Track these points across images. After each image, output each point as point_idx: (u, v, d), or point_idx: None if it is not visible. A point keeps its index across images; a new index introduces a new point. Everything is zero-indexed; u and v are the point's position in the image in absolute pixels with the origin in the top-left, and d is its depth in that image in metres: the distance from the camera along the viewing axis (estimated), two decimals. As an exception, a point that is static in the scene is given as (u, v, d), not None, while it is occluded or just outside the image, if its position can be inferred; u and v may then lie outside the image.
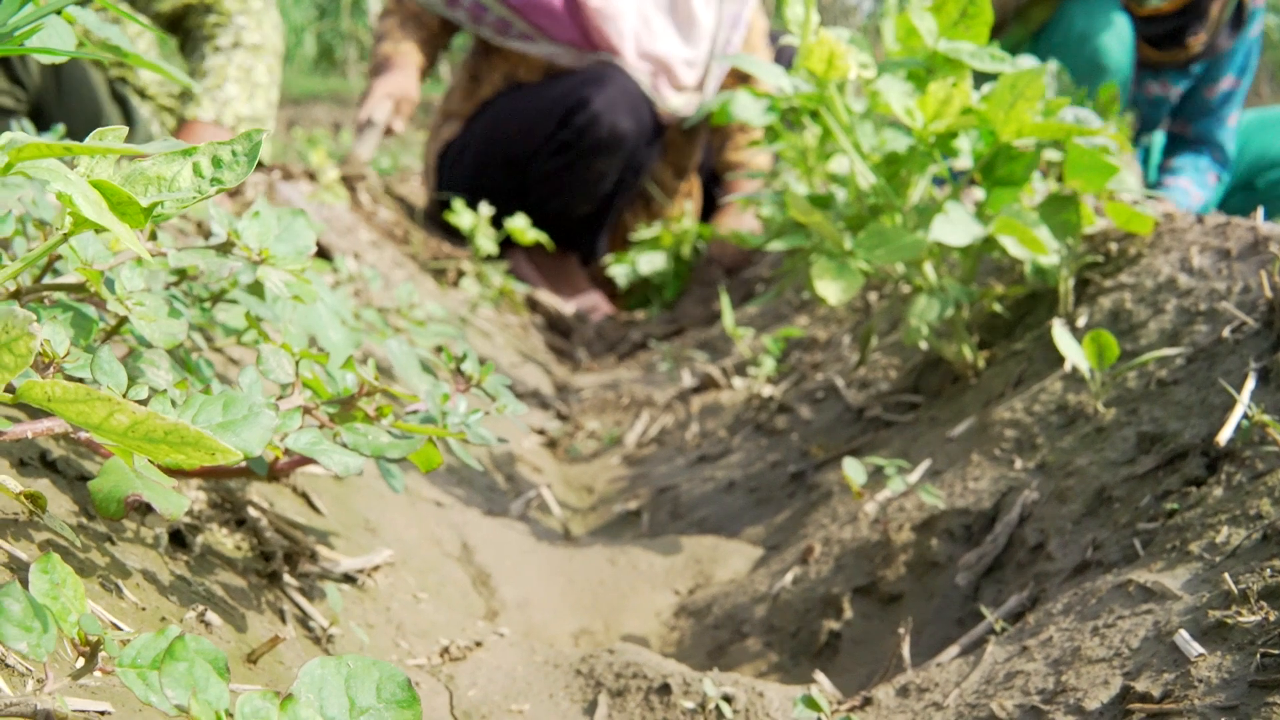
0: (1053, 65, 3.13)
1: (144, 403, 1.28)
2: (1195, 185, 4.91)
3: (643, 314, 5.45)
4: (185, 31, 3.99)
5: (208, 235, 2.88)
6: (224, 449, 0.92)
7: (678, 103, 5.55)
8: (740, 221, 5.60)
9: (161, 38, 1.42)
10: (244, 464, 1.67)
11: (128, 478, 1.26)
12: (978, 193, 2.93)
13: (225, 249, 1.62)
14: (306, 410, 1.57)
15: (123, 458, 1.21)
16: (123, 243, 0.96)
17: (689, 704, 1.72)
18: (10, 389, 1.01)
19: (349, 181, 5.22)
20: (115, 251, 1.55)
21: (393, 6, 5.69)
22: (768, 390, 3.29)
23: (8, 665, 1.15)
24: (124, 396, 1.29)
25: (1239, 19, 4.80)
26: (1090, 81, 4.56)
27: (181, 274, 1.86)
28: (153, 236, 1.64)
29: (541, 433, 3.56)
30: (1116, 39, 4.57)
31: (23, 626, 0.96)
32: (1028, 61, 2.52)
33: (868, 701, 1.70)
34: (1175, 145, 5.05)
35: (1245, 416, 1.79)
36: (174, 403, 1.29)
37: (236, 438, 1.22)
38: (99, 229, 1.00)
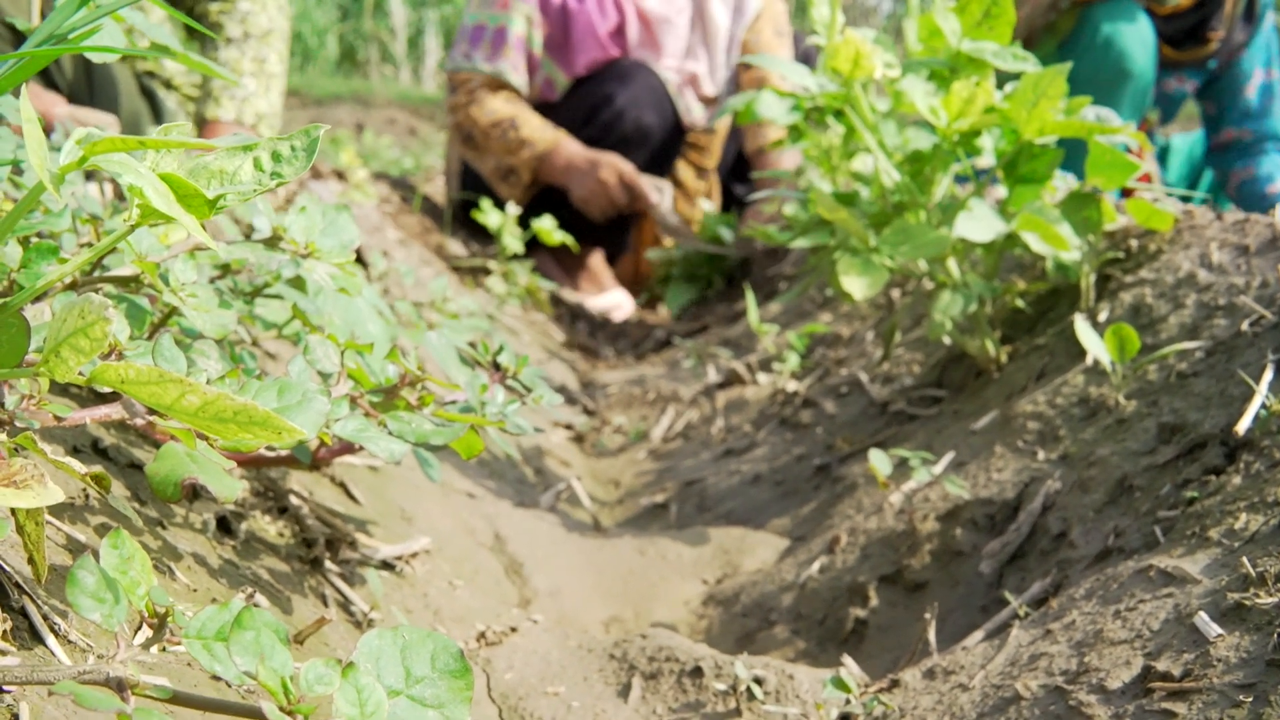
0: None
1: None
2: None
3: (666, 311, 5.48)
4: (189, 14, 3.99)
5: (246, 232, 2.93)
6: (290, 428, 0.97)
7: (699, 113, 5.62)
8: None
9: (176, 15, 1.44)
10: (287, 453, 1.73)
11: (183, 462, 1.31)
12: (1000, 190, 2.97)
13: (272, 243, 1.68)
14: (352, 399, 1.62)
15: (186, 440, 1.26)
16: (190, 233, 1.01)
17: (721, 686, 1.76)
18: (81, 373, 1.05)
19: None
20: (167, 245, 1.60)
21: (481, 82, 5.49)
22: (792, 385, 3.33)
23: (69, 641, 1.20)
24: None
25: (1250, 13, 4.84)
26: (1116, 86, 4.59)
27: (225, 268, 1.91)
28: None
29: (568, 427, 3.61)
30: (1140, 43, 4.61)
31: (96, 598, 1.01)
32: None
33: (895, 684, 1.74)
34: (1235, 150, 5.08)
35: (1263, 407, 1.83)
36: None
37: (292, 422, 1.27)
38: (165, 220, 1.05)
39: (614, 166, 5.26)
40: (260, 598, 1.54)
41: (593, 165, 5.28)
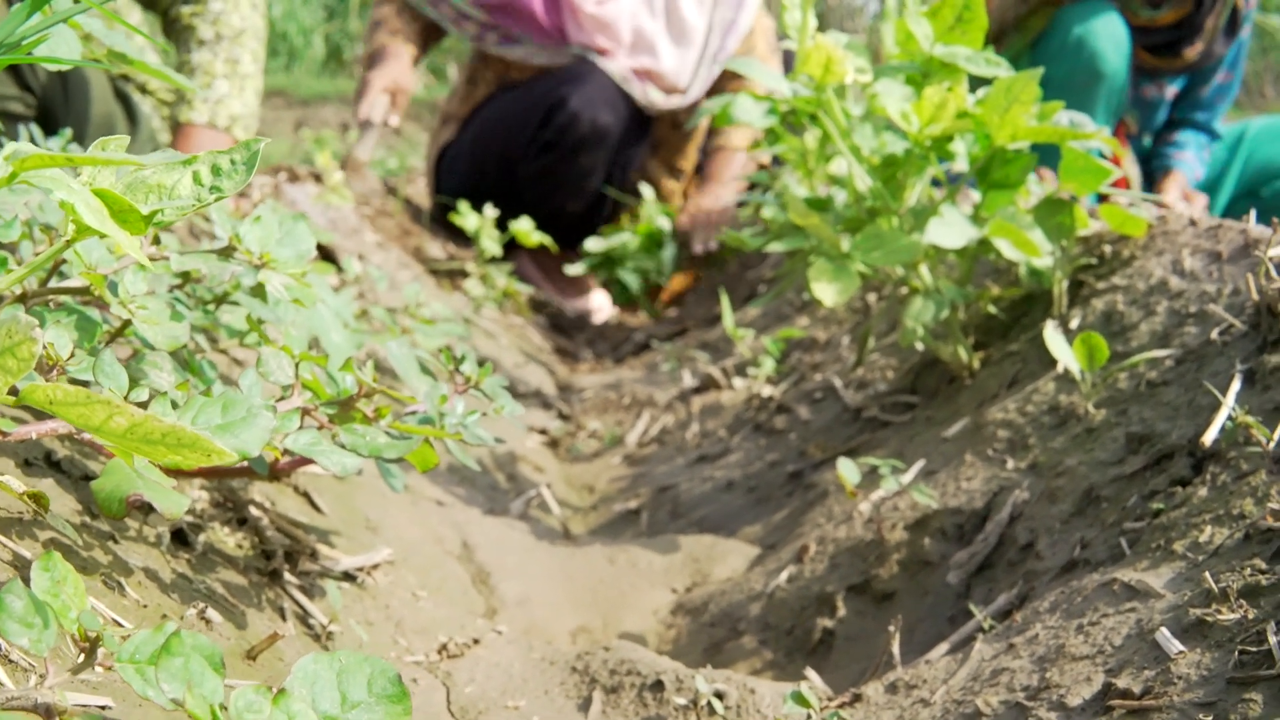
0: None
1: (145, 405, 1.31)
2: (1198, 162, 4.93)
3: (644, 316, 5.46)
4: (164, 15, 3.97)
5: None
6: (219, 450, 0.95)
7: (658, 97, 5.59)
8: (717, 197, 5.60)
9: (122, 23, 1.40)
10: (245, 464, 1.70)
11: (129, 477, 1.29)
12: (976, 195, 2.96)
13: (227, 253, 1.66)
14: (306, 411, 1.60)
15: (124, 458, 1.24)
16: (123, 249, 0.99)
17: (681, 700, 1.74)
18: (14, 392, 1.04)
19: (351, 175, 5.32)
20: (119, 256, 1.58)
21: None
22: (767, 390, 3.31)
23: (11, 660, 1.18)
24: (125, 398, 1.33)
25: (1233, 26, 4.81)
26: (1088, 87, 4.57)
27: (186, 276, 1.89)
28: (156, 241, 1.67)
29: (543, 432, 3.59)
30: (1113, 44, 4.59)
31: (24, 623, 0.99)
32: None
33: (857, 698, 1.73)
34: (1170, 127, 5.06)
35: (1230, 418, 1.82)
36: (174, 404, 1.32)
37: (235, 439, 1.25)
38: (102, 235, 1.03)
39: (366, 80, 5.48)
40: (214, 613, 1.52)
41: (368, 76, 5.51)
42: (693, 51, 5.63)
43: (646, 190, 5.59)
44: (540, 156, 5.42)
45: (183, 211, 1.09)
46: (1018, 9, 4.65)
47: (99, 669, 1.04)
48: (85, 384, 1.39)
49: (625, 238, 5.39)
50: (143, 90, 4.03)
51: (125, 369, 1.51)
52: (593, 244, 5.46)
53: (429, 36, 5.73)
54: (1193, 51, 4.76)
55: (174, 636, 0.97)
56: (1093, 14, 4.61)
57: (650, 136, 5.73)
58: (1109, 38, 4.59)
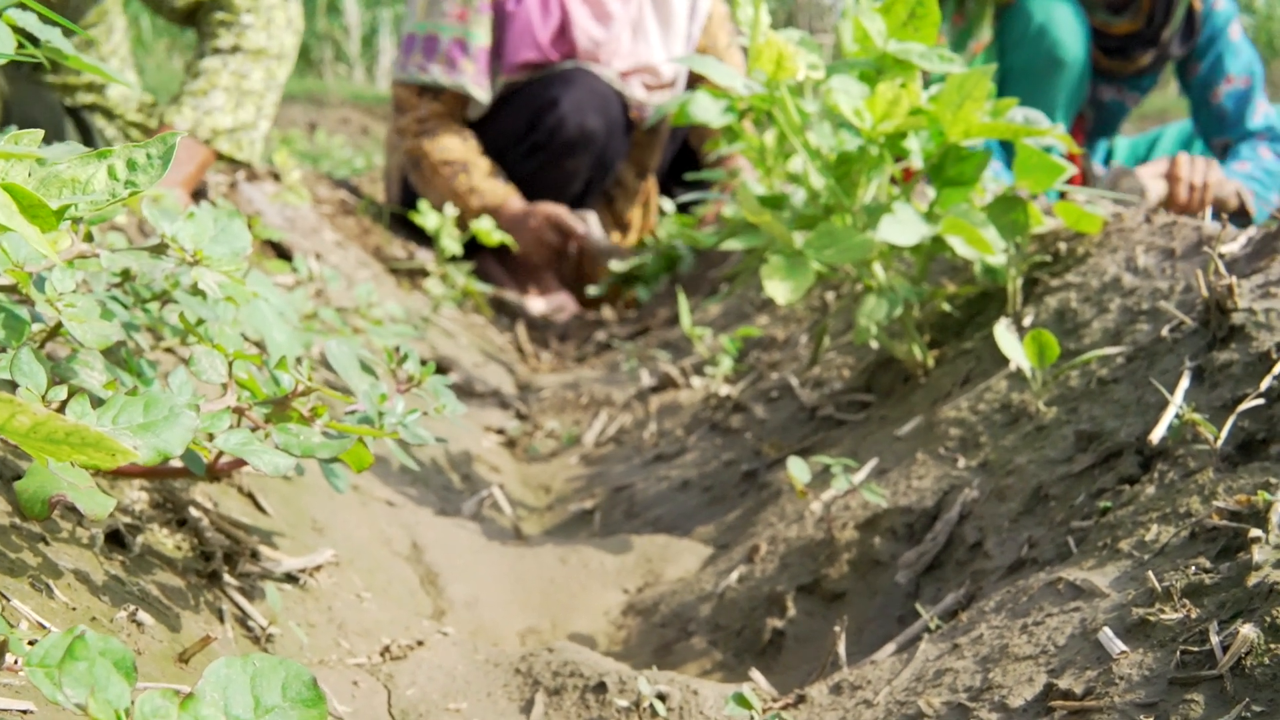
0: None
1: (63, 404, 1.28)
2: (1255, 175, 4.83)
3: (607, 314, 5.44)
4: (196, 26, 3.91)
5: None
6: (124, 450, 0.93)
7: (651, 96, 5.57)
8: None
9: (139, 42, 1.39)
10: (181, 464, 1.68)
11: (54, 478, 1.27)
12: (932, 192, 2.94)
13: (160, 250, 1.63)
14: (240, 411, 1.57)
15: (37, 458, 1.21)
16: (31, 245, 0.97)
17: (623, 702, 1.72)
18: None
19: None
20: (56, 253, 1.55)
21: (427, 111, 5.47)
22: (725, 389, 3.30)
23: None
24: (44, 397, 1.30)
25: (1190, 29, 4.82)
26: (1048, 75, 4.59)
27: (125, 274, 1.87)
28: (89, 238, 1.64)
29: (501, 432, 3.57)
30: (1072, 33, 4.62)
31: (-71, 627, 0.97)
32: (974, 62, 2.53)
33: (801, 699, 1.71)
34: (1229, 154, 5.02)
35: (1177, 416, 1.81)
36: (95, 403, 1.30)
37: (156, 438, 1.22)
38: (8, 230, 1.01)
39: (540, 213, 5.32)
40: (145, 615, 1.50)
41: (525, 215, 5.34)
42: (679, 44, 5.63)
43: (667, 204, 5.57)
44: (527, 159, 5.41)
45: (97, 206, 1.07)
46: None
47: (23, 673, 1.02)
48: (12, 384, 1.37)
49: (648, 257, 5.38)
50: (110, 114, 3.96)
51: (55, 368, 1.49)
52: (616, 266, 5.45)
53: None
54: (1145, 56, 4.79)
55: (78, 640, 0.94)
56: (1054, 2, 4.63)
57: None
58: (1068, 27, 4.62)
